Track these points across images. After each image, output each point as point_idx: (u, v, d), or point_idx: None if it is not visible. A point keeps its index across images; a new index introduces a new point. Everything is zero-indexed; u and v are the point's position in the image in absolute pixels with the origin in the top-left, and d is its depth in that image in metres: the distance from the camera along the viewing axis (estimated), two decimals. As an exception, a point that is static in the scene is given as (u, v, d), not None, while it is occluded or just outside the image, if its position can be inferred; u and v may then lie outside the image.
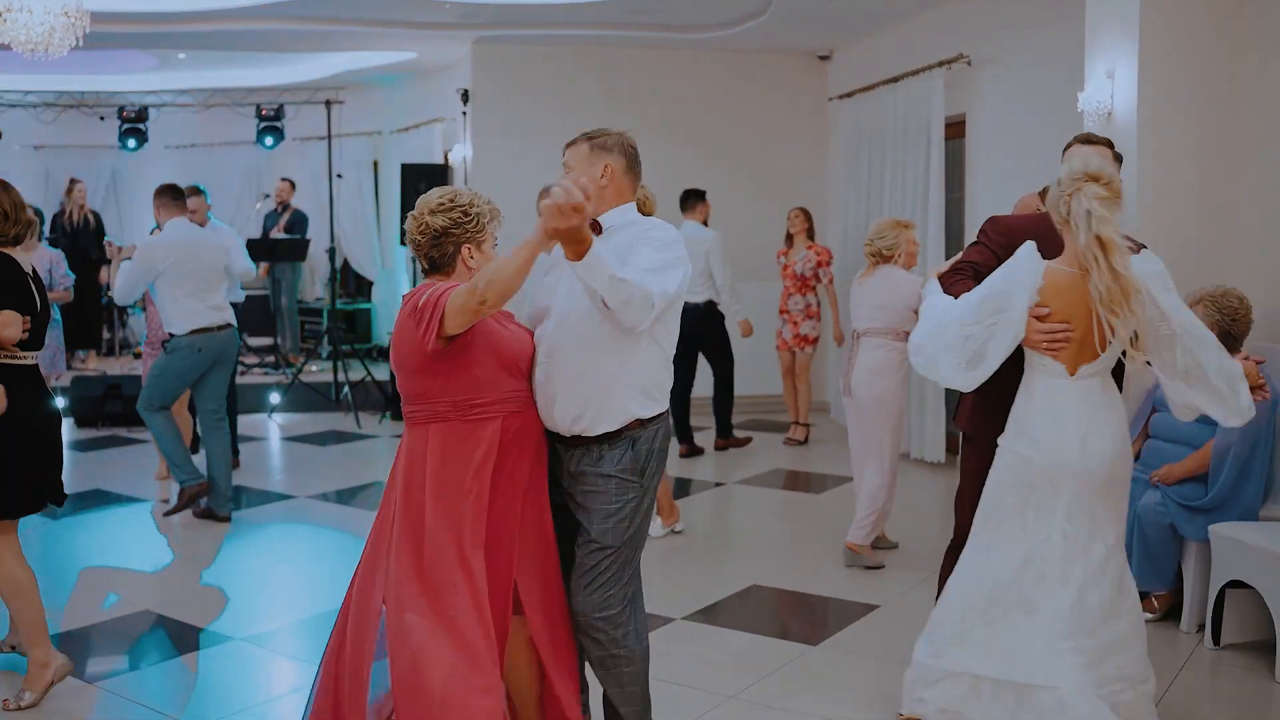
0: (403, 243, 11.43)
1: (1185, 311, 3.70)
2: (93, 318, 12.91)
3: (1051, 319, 3.70)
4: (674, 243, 3.54)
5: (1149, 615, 5.45)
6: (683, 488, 8.34)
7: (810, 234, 9.75)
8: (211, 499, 7.31)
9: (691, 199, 9.18)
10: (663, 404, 3.62)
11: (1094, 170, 3.65)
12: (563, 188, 3.04)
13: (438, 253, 3.51)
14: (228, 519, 7.35)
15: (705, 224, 9.14)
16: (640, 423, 3.55)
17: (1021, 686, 3.78)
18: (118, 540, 7.20)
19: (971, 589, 3.95)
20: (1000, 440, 3.93)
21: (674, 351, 3.66)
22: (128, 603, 5.81)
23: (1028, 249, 3.73)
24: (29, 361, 4.56)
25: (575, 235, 3.09)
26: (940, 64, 8.79)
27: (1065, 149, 4.45)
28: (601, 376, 3.48)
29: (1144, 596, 5.42)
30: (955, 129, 8.95)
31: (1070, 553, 3.77)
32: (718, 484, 8.47)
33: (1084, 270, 3.62)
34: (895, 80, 9.50)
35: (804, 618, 5.70)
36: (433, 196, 3.55)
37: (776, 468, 8.97)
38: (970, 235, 8.79)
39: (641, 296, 3.26)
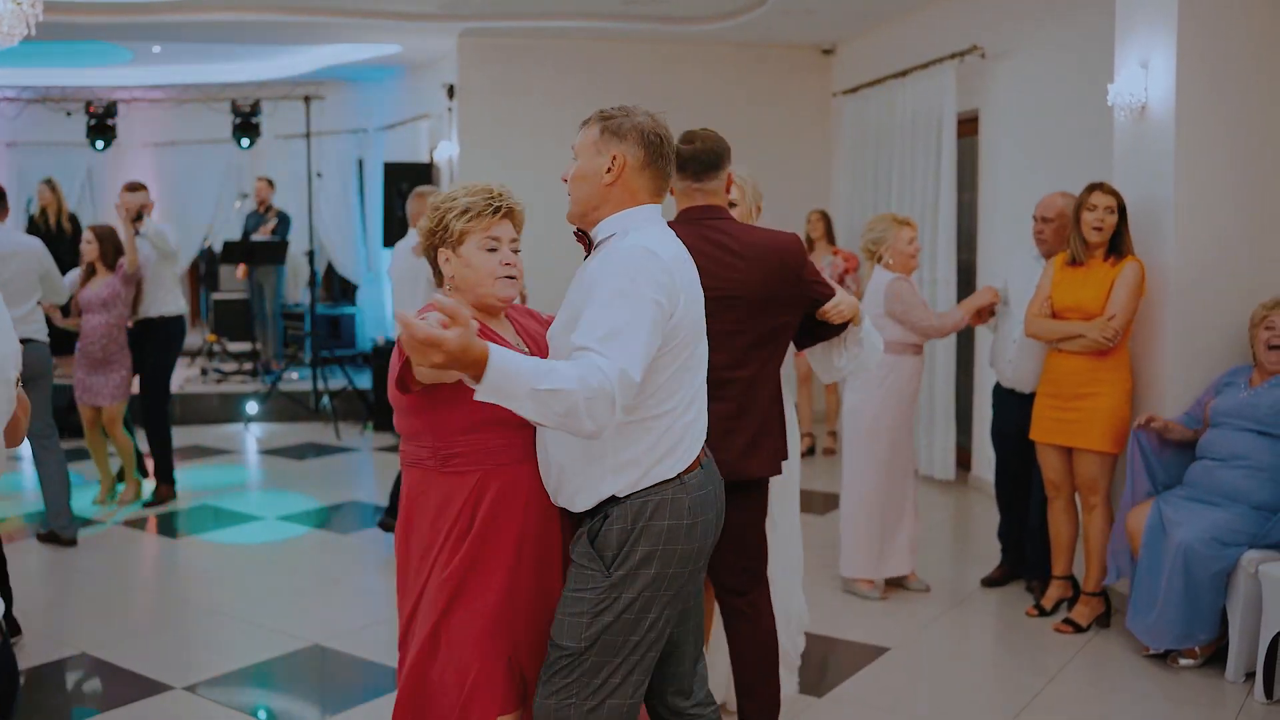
0: (387, 244, 10.92)
1: None
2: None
3: None
4: (635, 277, 2.70)
5: (1189, 662, 4.94)
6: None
7: (831, 238, 9.33)
8: (52, 521, 6.85)
9: None
10: (653, 474, 2.82)
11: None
12: (403, 323, 2.34)
13: (429, 259, 3.01)
14: (73, 542, 6.87)
15: None
16: (615, 500, 2.83)
17: None
18: (37, 570, 6.57)
19: None
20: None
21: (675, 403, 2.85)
22: (56, 643, 5.28)
23: None
24: None
25: (456, 362, 2.38)
26: (952, 56, 8.27)
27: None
28: (569, 443, 2.83)
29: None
30: (968, 125, 8.44)
31: None
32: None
33: None
34: (903, 74, 8.99)
35: (806, 662, 5.17)
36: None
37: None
38: (984, 237, 8.30)
39: (589, 398, 2.48)
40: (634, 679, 2.84)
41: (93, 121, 12.52)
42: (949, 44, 8.37)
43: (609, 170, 2.84)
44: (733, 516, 3.38)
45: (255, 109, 12.29)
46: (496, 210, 2.94)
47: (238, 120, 12.30)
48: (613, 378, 2.53)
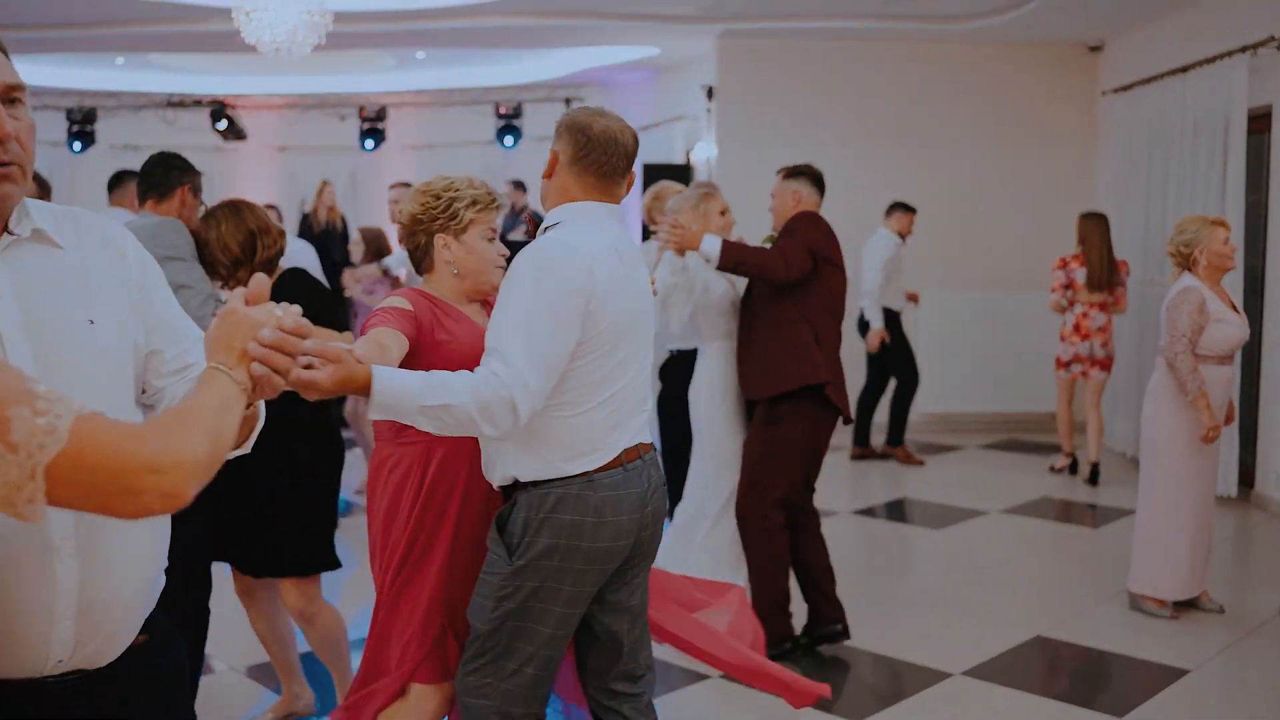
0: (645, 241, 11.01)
1: None
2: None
3: None
4: (540, 271, 2.79)
5: None
6: (940, 514, 7.66)
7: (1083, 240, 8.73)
8: None
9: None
10: (560, 467, 2.88)
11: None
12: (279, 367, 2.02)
13: (412, 245, 3.19)
14: None
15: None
16: (521, 486, 2.94)
17: None
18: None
19: None
20: None
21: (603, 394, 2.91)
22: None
23: None
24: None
25: (341, 390, 2.36)
26: (1243, 49, 7.85)
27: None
28: None
29: None
30: (1259, 123, 7.96)
31: None
32: (979, 512, 7.75)
33: None
34: (1184, 70, 8.59)
35: (1101, 681, 4.98)
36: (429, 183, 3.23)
37: (1044, 495, 8.18)
38: (1275, 240, 7.84)
39: (482, 408, 2.62)
40: (541, 659, 2.94)
41: (365, 125, 13.09)
42: (1239, 35, 7.94)
43: (547, 165, 3.05)
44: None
45: (517, 111, 12.63)
46: (495, 204, 3.21)
47: (501, 122, 12.68)
48: (510, 384, 2.65)
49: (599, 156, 2.96)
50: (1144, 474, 5.72)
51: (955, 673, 4.92)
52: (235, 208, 4.03)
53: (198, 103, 13.34)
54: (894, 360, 9.09)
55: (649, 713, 3.16)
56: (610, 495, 2.88)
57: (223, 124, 13.04)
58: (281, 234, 4.08)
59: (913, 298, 9.40)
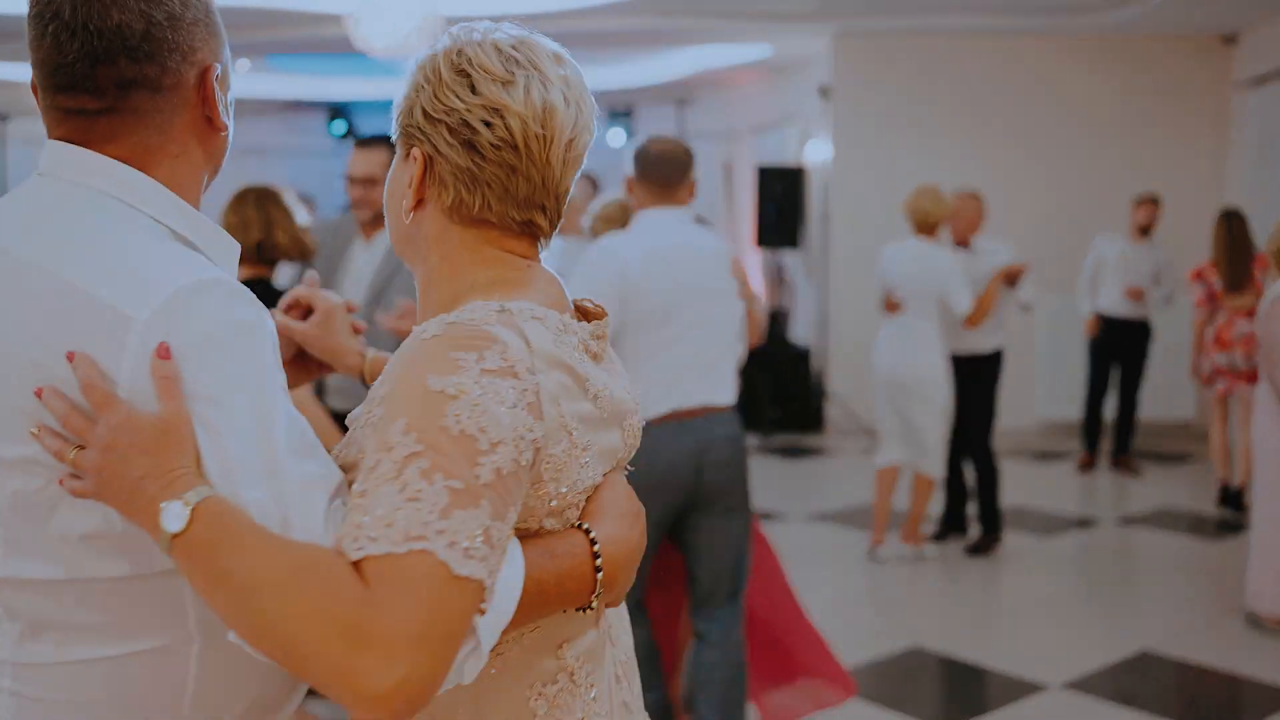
0: (763, 244, 10.86)
1: None
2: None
3: None
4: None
5: None
6: (1047, 523, 7.47)
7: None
8: None
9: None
10: None
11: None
12: None
13: None
14: None
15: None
16: None
17: None
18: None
19: None
20: None
21: None
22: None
23: None
24: None
25: None
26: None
27: None
28: None
29: None
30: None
31: None
32: (1091, 521, 7.53)
33: None
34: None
35: (1210, 701, 4.79)
36: None
37: (1161, 506, 7.91)
38: None
39: None
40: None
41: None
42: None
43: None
44: None
45: (630, 113, 12.72)
46: None
47: (614, 124, 12.77)
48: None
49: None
50: (1258, 488, 5.50)
51: (1054, 685, 4.78)
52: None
53: (316, 106, 13.66)
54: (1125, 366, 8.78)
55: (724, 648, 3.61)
56: (657, 443, 3.27)
57: (341, 126, 13.36)
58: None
59: (1133, 294, 8.49)
